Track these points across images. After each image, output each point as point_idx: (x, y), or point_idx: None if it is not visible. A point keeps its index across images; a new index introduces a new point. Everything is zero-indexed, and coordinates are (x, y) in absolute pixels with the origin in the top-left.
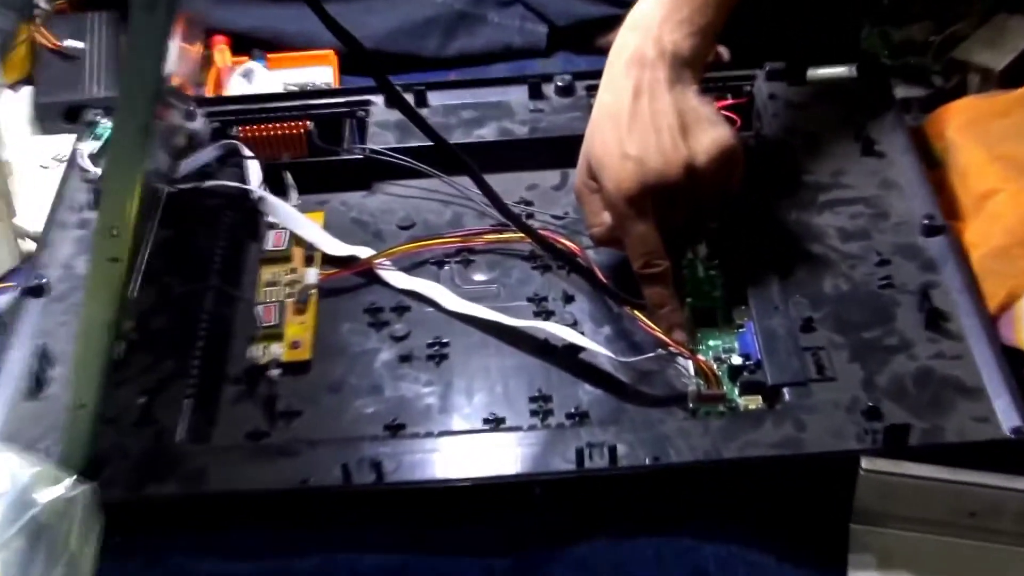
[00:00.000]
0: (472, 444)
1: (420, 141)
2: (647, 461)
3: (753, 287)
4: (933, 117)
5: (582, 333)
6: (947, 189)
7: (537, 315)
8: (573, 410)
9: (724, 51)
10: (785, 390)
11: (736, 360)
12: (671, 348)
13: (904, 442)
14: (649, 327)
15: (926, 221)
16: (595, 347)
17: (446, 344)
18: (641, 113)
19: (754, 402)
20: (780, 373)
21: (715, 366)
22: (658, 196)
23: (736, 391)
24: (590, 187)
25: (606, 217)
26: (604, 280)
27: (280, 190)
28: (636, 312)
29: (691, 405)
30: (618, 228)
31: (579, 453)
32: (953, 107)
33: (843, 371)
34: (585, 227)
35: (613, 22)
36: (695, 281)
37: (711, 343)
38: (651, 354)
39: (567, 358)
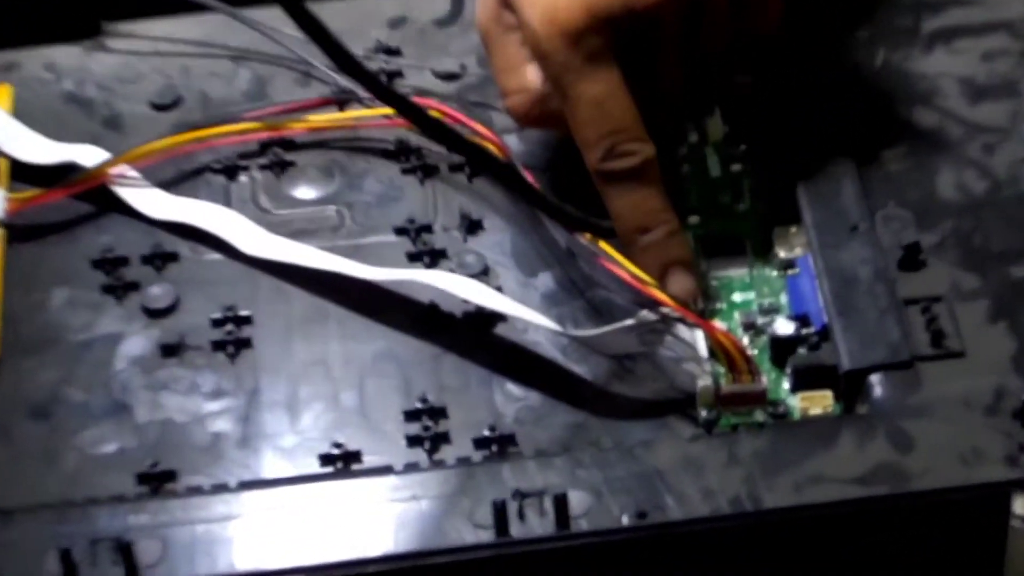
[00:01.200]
0: (303, 503)
1: None
2: (625, 520)
3: (810, 192)
4: None
5: (499, 289)
6: None
7: (415, 259)
8: (487, 432)
9: None
10: (874, 379)
11: (783, 328)
12: (665, 310)
13: None
14: (623, 272)
15: None
16: (524, 313)
17: (246, 320)
18: None
19: (819, 403)
20: (864, 349)
21: (745, 340)
22: (625, 30)
23: (785, 384)
24: (504, 22)
25: (531, 75)
26: (537, 188)
27: None
28: (599, 244)
29: (704, 414)
30: (557, 92)
31: (499, 510)
32: None
33: (978, 339)
34: (500, 94)
35: None
36: (704, 185)
37: (737, 298)
38: (628, 322)
39: (473, 337)
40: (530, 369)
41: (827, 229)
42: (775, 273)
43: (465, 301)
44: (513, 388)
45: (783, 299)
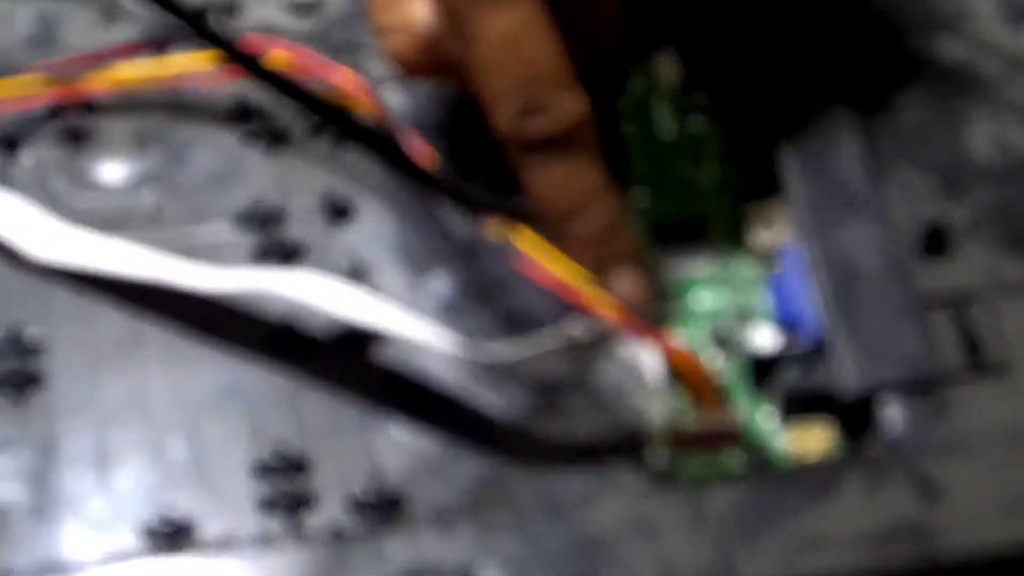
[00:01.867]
0: None
1: None
2: None
3: (798, 154)
4: None
5: (377, 297)
6: None
7: (263, 258)
8: (365, 491)
9: None
10: (888, 407)
11: (764, 340)
12: (604, 321)
13: None
14: (546, 271)
15: None
16: (413, 329)
17: (36, 348)
18: None
19: (815, 441)
20: (874, 366)
21: (712, 360)
22: None
23: (769, 417)
24: None
25: (419, 6)
26: (426, 159)
27: None
28: (513, 234)
29: (659, 461)
30: (454, 28)
31: None
32: None
33: None
34: (374, 33)
35: None
36: (654, 150)
37: (702, 302)
38: (554, 338)
39: (344, 364)
40: (422, 405)
41: (822, 204)
42: (752, 267)
43: (332, 315)
44: (399, 432)
45: (763, 302)
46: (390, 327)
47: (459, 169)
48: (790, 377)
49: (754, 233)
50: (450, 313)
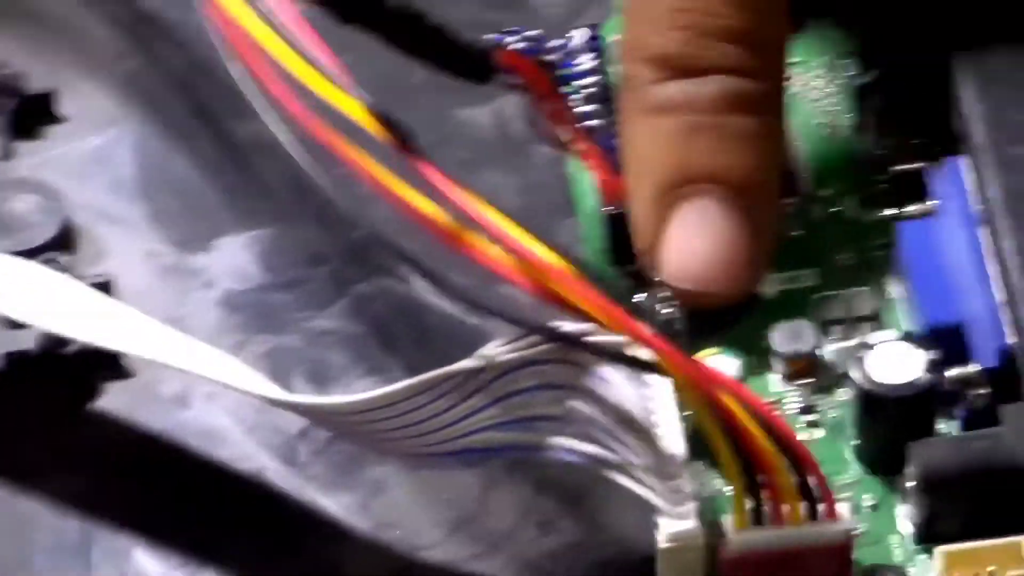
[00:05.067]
0: None
1: None
2: None
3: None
4: None
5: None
6: None
7: None
8: None
9: None
10: None
11: (901, 362)
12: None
13: None
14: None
15: None
16: (164, 342)
17: None
18: None
19: (1002, 564)
20: None
21: (789, 398)
22: None
23: (905, 520)
24: None
25: None
26: None
27: None
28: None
29: None
30: None
31: None
32: None
33: None
34: None
35: None
36: None
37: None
38: (473, 363)
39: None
40: (193, 508)
41: (1007, 103)
42: (870, 211)
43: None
44: (150, 559)
45: (892, 286)
46: (127, 339)
47: None
48: (944, 437)
49: (867, 131)
50: (247, 316)
